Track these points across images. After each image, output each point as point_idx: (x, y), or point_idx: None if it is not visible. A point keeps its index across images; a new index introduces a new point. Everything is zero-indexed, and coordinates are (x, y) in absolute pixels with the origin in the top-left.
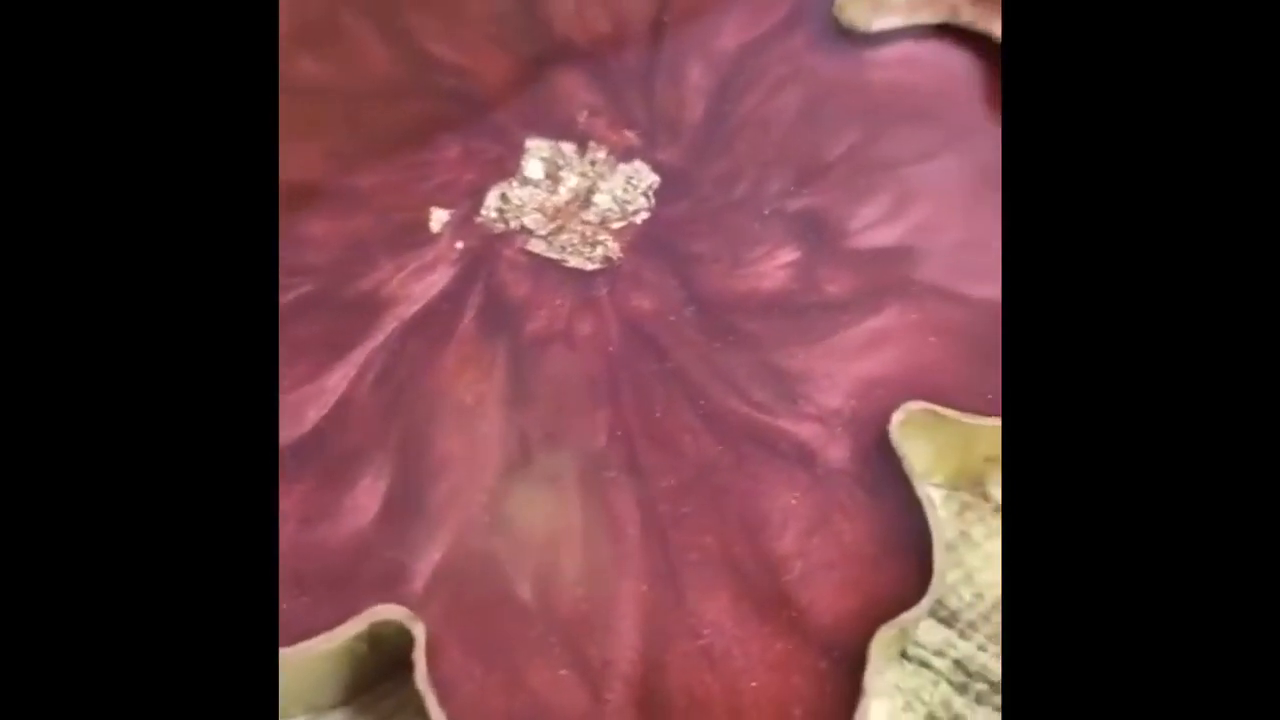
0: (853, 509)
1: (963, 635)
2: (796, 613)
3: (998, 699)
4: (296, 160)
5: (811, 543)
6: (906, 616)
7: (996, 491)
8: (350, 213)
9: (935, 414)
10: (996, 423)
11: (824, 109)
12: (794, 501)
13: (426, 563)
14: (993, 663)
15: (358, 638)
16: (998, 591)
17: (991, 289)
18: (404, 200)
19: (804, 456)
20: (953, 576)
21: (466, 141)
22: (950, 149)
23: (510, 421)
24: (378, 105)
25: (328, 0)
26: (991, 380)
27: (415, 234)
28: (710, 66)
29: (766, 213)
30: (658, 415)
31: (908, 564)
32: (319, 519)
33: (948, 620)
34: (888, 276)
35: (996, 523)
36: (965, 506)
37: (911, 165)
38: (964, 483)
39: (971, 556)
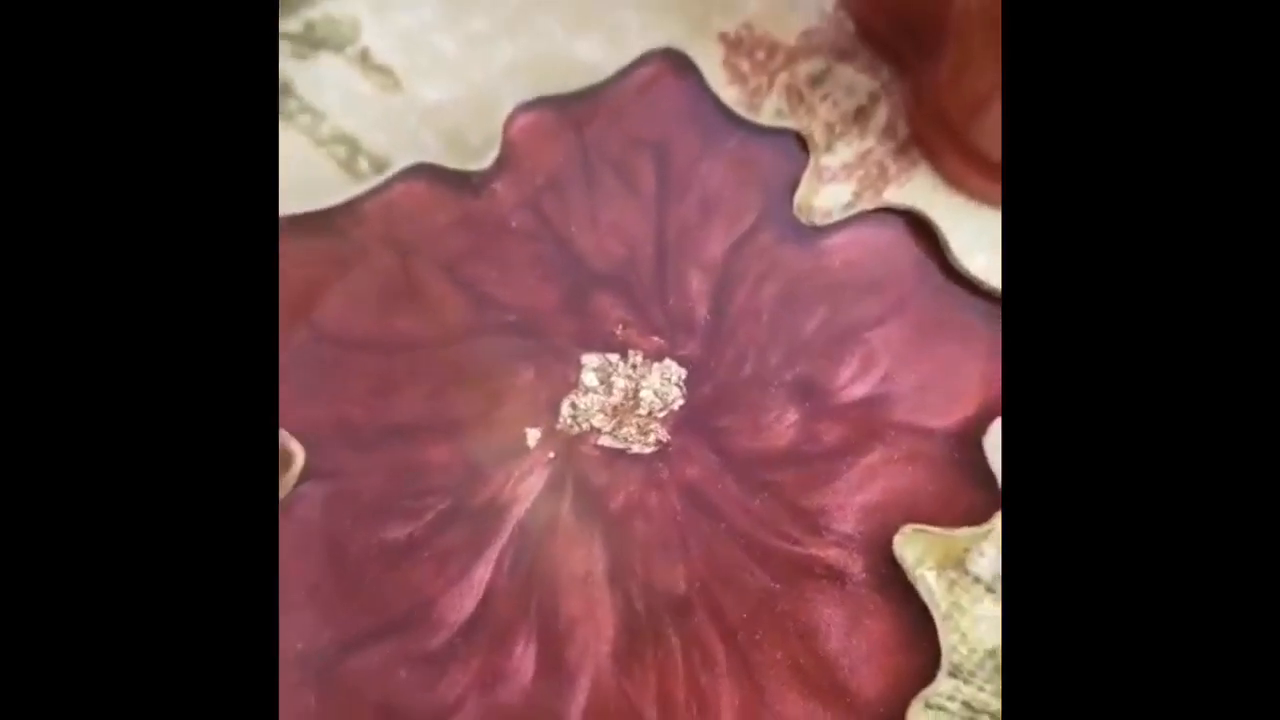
0: (875, 611)
1: (966, 681)
2: (850, 698)
3: None
4: (406, 405)
5: (851, 642)
6: (929, 690)
7: (974, 568)
8: (460, 438)
9: (923, 530)
10: (968, 530)
11: (798, 293)
12: (833, 612)
13: (576, 706)
14: (992, 700)
15: None
16: (987, 644)
17: (944, 420)
18: (500, 422)
19: (834, 575)
20: (952, 639)
21: (536, 365)
22: (895, 313)
23: (614, 585)
24: (461, 347)
25: (404, 263)
26: (953, 490)
27: (517, 450)
28: (706, 273)
29: (772, 387)
30: (723, 563)
31: (921, 643)
32: (495, 685)
33: (953, 672)
34: (869, 423)
35: (978, 591)
36: (953, 583)
37: (870, 330)
38: (949, 564)
39: (963, 620)
